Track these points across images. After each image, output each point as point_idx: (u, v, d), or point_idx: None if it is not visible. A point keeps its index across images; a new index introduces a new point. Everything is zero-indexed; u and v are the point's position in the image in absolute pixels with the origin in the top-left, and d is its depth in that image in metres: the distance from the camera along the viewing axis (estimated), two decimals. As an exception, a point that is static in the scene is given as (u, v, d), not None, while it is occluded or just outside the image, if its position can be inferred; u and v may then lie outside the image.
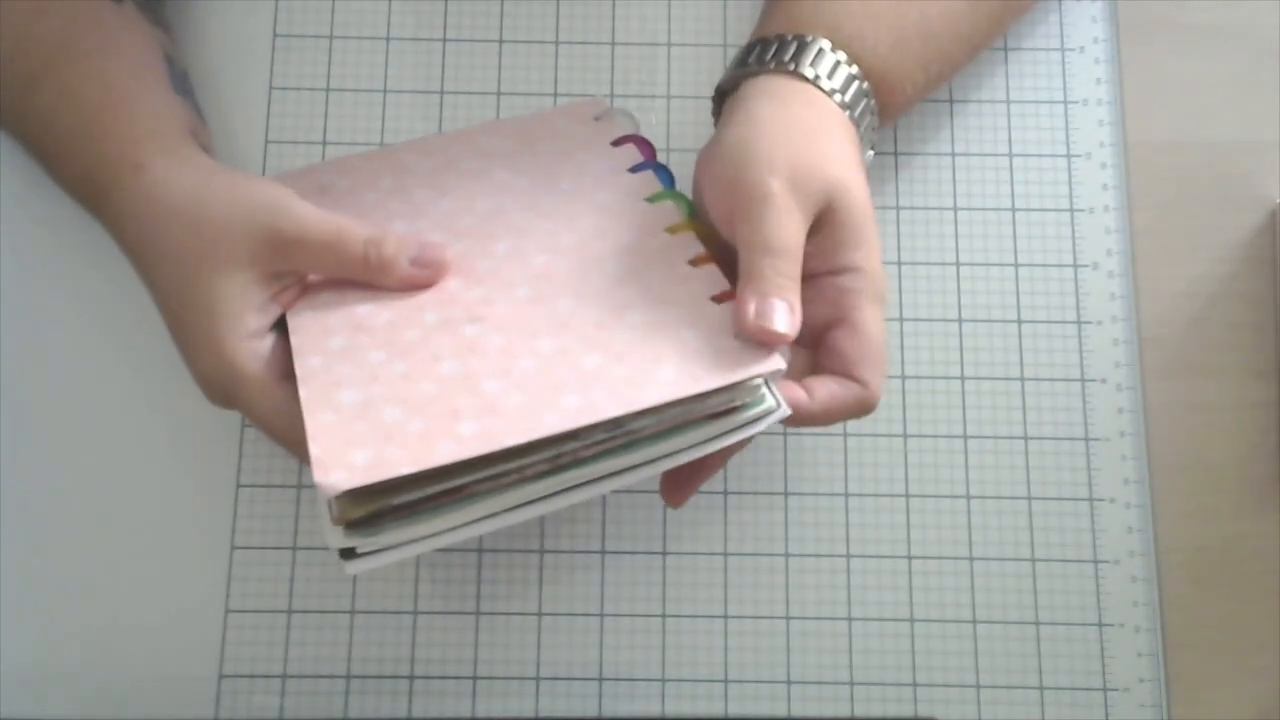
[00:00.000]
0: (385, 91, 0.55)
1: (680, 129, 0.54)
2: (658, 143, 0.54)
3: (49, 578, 0.49)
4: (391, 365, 0.40)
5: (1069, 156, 0.55)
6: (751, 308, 0.39)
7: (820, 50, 0.45)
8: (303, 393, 0.40)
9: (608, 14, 0.56)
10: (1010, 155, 0.55)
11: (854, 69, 0.45)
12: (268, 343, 0.42)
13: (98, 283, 0.52)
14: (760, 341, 0.39)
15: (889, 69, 0.46)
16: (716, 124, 0.47)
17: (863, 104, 0.45)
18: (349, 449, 0.37)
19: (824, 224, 0.42)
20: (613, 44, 0.56)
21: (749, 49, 0.46)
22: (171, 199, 0.43)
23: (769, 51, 0.45)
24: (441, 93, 0.55)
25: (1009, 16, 0.52)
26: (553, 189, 0.47)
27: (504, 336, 0.41)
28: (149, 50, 0.48)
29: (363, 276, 0.43)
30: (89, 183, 0.46)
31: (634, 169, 0.48)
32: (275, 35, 0.55)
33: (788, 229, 0.40)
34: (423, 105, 0.55)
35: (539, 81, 0.55)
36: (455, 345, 0.41)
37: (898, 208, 0.54)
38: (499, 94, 0.55)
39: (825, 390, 0.41)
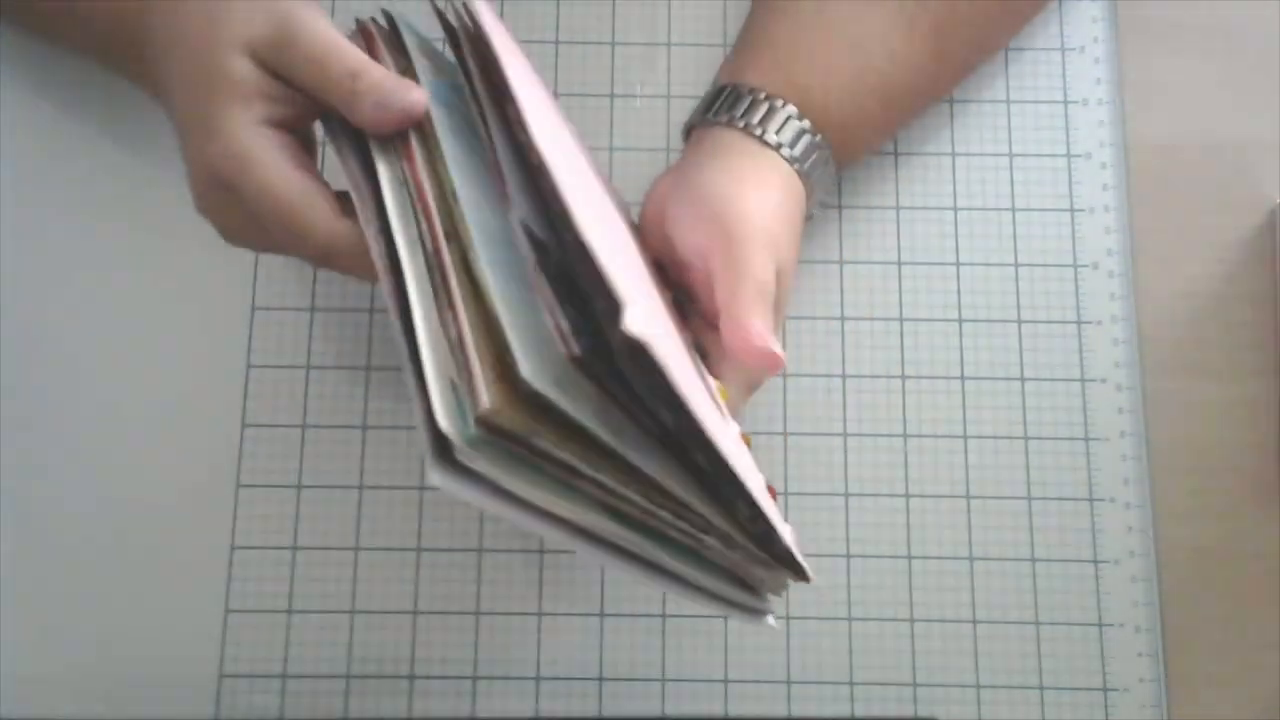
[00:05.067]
0: (385, 91, 0.55)
1: (680, 129, 0.54)
2: (656, 143, 0.54)
3: (49, 578, 0.49)
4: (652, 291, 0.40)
5: (1069, 156, 0.54)
6: (755, 330, 0.40)
7: (788, 118, 0.46)
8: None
9: (608, 14, 0.56)
10: (1010, 155, 0.55)
11: (805, 123, 0.47)
12: (280, 135, 0.41)
13: (98, 281, 0.52)
14: (759, 361, 0.40)
15: (846, 124, 0.48)
16: (684, 152, 0.48)
17: (814, 157, 0.47)
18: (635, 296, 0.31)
19: None
20: (613, 44, 0.56)
21: (718, 93, 0.48)
22: None
23: (739, 108, 0.47)
24: (441, 93, 0.55)
25: (976, 61, 0.53)
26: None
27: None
28: None
29: (335, 101, 0.41)
30: (120, 21, 0.44)
31: None
32: (275, 35, 0.55)
33: (769, 270, 0.42)
34: (423, 105, 0.55)
35: (539, 81, 0.55)
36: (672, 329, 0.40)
37: (898, 208, 0.54)
38: (499, 94, 0.55)
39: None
